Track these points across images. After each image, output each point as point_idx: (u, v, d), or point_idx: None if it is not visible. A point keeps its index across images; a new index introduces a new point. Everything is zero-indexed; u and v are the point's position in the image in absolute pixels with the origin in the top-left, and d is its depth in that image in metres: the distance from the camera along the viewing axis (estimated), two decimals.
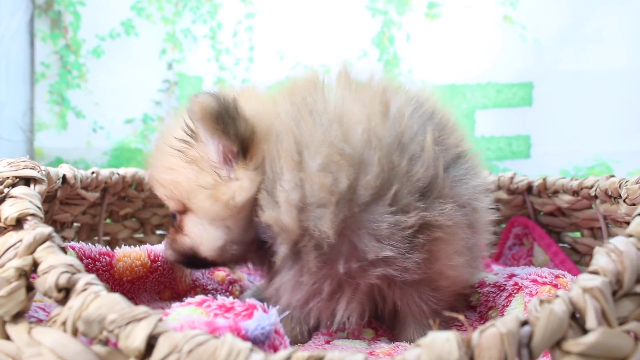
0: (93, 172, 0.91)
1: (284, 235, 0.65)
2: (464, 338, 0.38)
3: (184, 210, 0.72)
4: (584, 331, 0.40)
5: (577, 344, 0.39)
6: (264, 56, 1.67)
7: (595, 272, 0.43)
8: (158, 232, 1.15)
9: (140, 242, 1.10)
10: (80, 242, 0.74)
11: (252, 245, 0.71)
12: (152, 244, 1.07)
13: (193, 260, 0.75)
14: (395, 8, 1.66)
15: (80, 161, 1.68)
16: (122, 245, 1.01)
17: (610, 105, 1.59)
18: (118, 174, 0.98)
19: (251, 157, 0.67)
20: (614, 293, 0.42)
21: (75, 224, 0.96)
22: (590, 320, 0.39)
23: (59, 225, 0.90)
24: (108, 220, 1.05)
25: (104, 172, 0.94)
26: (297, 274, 0.67)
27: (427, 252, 0.64)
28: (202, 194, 0.68)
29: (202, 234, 0.72)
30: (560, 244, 1.03)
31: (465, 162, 0.72)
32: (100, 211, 0.99)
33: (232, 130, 0.65)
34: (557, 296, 0.41)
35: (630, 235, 0.47)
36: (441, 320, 0.68)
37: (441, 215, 0.64)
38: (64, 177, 0.82)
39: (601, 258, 0.43)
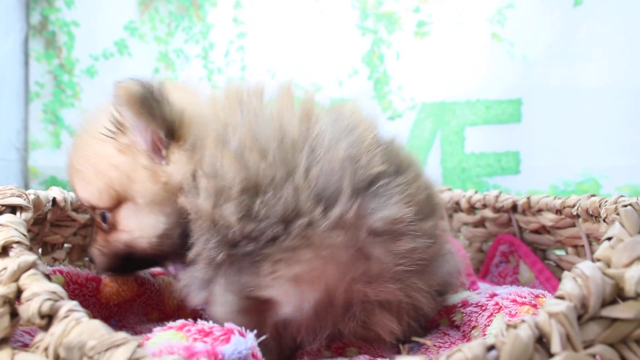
0: None
1: (200, 223, 0.64)
2: None
3: (117, 204, 0.72)
4: (550, 355, 0.41)
5: None
6: (256, 75, 1.69)
7: (561, 297, 0.44)
8: None
9: None
10: (70, 265, 0.76)
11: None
12: None
13: (128, 260, 0.74)
14: (385, 27, 1.68)
15: None
16: None
17: (598, 121, 1.61)
18: None
19: (182, 139, 0.69)
20: (580, 317, 0.43)
21: (66, 245, 0.97)
22: (555, 345, 0.41)
23: (49, 247, 0.91)
24: None
25: None
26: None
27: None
28: (143, 173, 0.69)
29: (141, 223, 0.71)
30: (546, 261, 1.05)
31: (382, 186, 0.65)
32: (90, 232, 1.01)
33: (158, 113, 0.66)
34: (523, 321, 0.42)
35: (598, 260, 0.49)
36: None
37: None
38: (54, 199, 0.83)
39: (567, 283, 0.45)
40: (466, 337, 0.76)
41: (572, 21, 1.61)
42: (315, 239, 0.60)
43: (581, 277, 0.45)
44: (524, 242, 1.08)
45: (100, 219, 0.75)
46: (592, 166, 1.61)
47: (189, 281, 0.67)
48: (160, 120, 0.67)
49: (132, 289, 0.80)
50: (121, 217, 0.72)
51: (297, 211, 0.60)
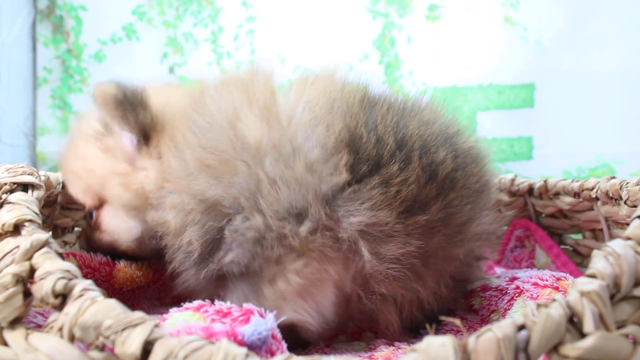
0: None
1: (169, 240, 0.65)
2: (460, 343, 0.37)
3: (100, 204, 0.73)
4: (582, 335, 0.39)
5: (574, 348, 0.38)
6: (265, 59, 1.67)
7: (593, 276, 0.42)
8: None
9: None
10: (83, 250, 0.75)
11: None
12: None
13: (115, 255, 0.75)
14: (395, 10, 1.66)
15: None
16: None
17: (612, 106, 1.59)
18: None
19: (153, 146, 0.68)
20: (612, 297, 0.42)
21: (76, 229, 0.97)
22: (588, 324, 0.39)
23: (60, 230, 0.90)
24: None
25: None
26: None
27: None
28: (115, 180, 0.70)
29: (119, 226, 0.72)
30: (562, 246, 1.03)
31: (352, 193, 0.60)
32: None
33: (132, 118, 0.67)
34: (554, 300, 0.40)
35: (628, 238, 0.47)
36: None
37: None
38: (63, 182, 0.82)
39: (599, 261, 0.43)
40: (485, 321, 0.75)
41: (586, 5, 1.59)
42: (298, 246, 0.58)
43: (613, 256, 0.43)
44: (540, 226, 1.06)
45: (88, 216, 0.76)
46: (605, 152, 1.59)
47: (181, 290, 0.68)
48: (133, 124, 0.67)
49: (147, 276, 0.78)
50: (103, 217, 0.73)
51: (270, 231, 0.59)
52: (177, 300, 0.83)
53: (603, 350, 0.39)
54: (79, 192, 0.75)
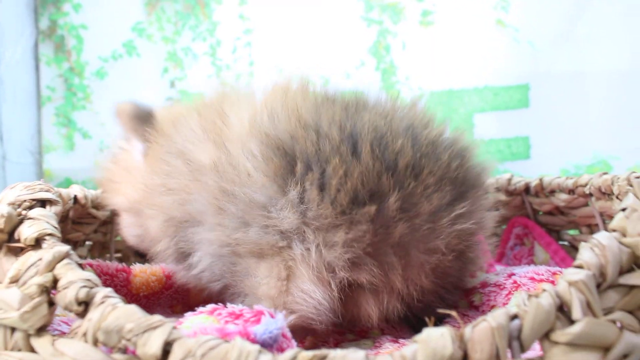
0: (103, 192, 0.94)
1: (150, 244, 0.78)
2: (457, 333, 0.40)
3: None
4: (571, 322, 0.42)
5: (564, 334, 0.41)
6: (264, 70, 1.70)
7: (580, 267, 0.45)
8: None
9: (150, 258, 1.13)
10: (98, 260, 0.78)
11: None
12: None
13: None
14: (389, 17, 1.69)
15: (88, 181, 1.71)
16: (133, 261, 1.05)
17: (606, 104, 1.61)
18: None
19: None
20: (599, 285, 0.45)
21: (87, 242, 0.99)
22: (576, 312, 0.42)
23: (72, 244, 0.93)
24: (118, 238, 1.08)
25: None
26: None
27: None
28: (114, 188, 0.86)
29: (122, 224, 0.89)
30: (560, 242, 1.06)
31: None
32: (110, 229, 1.02)
33: (140, 130, 0.80)
34: (544, 290, 0.43)
35: (613, 230, 0.50)
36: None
37: None
38: (75, 197, 0.85)
39: (585, 253, 0.46)
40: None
41: (577, 5, 1.61)
42: (253, 249, 0.64)
43: (598, 247, 0.46)
44: (538, 223, 1.09)
45: None
46: (602, 149, 1.61)
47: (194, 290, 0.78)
48: (142, 136, 0.80)
49: (161, 281, 0.82)
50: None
51: (227, 245, 0.64)
52: (188, 309, 0.86)
53: (591, 335, 0.41)
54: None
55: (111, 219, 1.02)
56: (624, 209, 0.52)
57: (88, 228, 0.95)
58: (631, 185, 0.55)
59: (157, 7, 1.73)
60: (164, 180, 0.71)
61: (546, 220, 1.08)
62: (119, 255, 1.08)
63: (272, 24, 1.71)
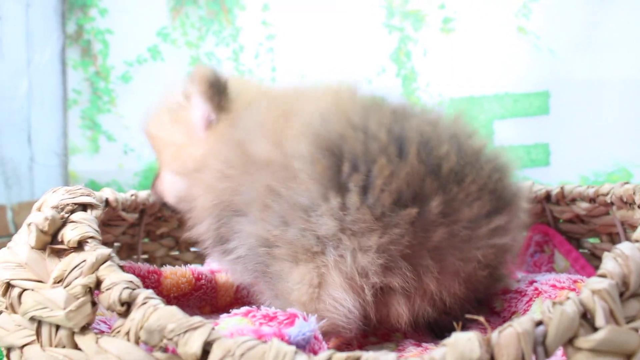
0: (132, 195, 0.97)
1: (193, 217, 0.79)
2: (485, 338, 0.42)
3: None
4: (594, 329, 0.44)
5: (587, 341, 0.43)
6: (286, 76, 1.73)
7: (603, 276, 0.47)
8: (192, 249, 1.20)
9: (176, 259, 1.15)
10: (127, 261, 0.80)
11: None
12: (187, 261, 1.14)
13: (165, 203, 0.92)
14: (411, 24, 1.71)
15: (112, 183, 1.75)
16: (159, 263, 1.07)
17: (627, 111, 1.61)
18: None
19: (213, 132, 0.81)
20: (622, 294, 0.46)
21: (116, 244, 1.02)
22: (599, 319, 0.44)
23: None
24: (146, 240, 1.11)
25: (142, 194, 1.00)
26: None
27: None
28: (169, 149, 0.86)
29: (165, 180, 0.89)
30: (580, 250, 1.06)
31: None
32: (138, 231, 1.05)
33: (217, 100, 0.80)
34: (568, 298, 0.45)
35: (636, 241, 0.51)
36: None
37: None
38: (106, 200, 0.87)
39: (609, 262, 0.48)
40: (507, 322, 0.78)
41: (598, 13, 1.62)
42: (288, 252, 0.66)
43: (621, 257, 0.48)
44: (558, 231, 1.10)
45: None
46: (622, 156, 1.61)
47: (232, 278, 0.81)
48: (216, 106, 0.81)
49: (191, 283, 0.84)
50: (160, 170, 0.91)
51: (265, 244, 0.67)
52: (216, 310, 0.88)
53: (613, 342, 0.43)
54: (151, 150, 0.91)
55: (139, 221, 1.04)
56: None
57: (117, 230, 0.98)
58: None
59: (182, 12, 1.77)
60: (221, 167, 0.73)
61: (567, 228, 1.09)
62: (145, 256, 1.11)
63: (294, 30, 1.74)
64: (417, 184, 0.62)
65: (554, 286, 0.73)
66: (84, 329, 0.49)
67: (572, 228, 1.07)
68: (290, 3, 1.74)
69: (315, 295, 0.63)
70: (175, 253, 1.17)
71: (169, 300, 0.82)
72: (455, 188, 0.64)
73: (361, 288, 0.64)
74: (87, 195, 0.63)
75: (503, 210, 0.68)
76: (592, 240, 1.06)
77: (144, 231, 1.07)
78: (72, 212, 0.59)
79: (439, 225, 0.63)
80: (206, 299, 0.87)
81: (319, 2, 1.73)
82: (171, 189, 0.89)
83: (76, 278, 0.50)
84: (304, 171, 0.64)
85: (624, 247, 0.48)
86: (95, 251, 0.52)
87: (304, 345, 0.48)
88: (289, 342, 0.47)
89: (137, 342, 0.46)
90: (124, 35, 1.78)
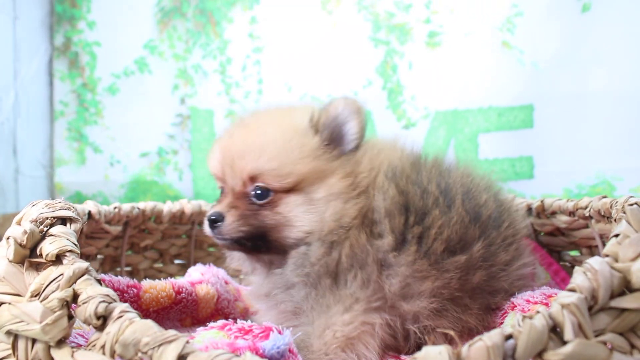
0: (115, 207, 0.97)
1: None
2: (455, 351, 0.43)
3: (289, 190, 0.78)
4: (563, 343, 0.45)
5: (556, 354, 0.44)
6: (273, 88, 1.74)
7: (572, 290, 0.48)
8: (176, 261, 1.21)
9: (160, 271, 1.16)
10: (109, 274, 0.80)
11: None
12: (171, 273, 1.14)
13: (258, 239, 0.79)
14: (397, 38, 1.72)
15: (98, 194, 1.75)
16: (143, 275, 1.07)
17: (610, 124, 1.63)
18: (138, 208, 1.04)
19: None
20: (591, 308, 0.47)
21: (99, 256, 1.02)
22: (568, 333, 0.44)
23: (84, 258, 0.95)
24: (129, 252, 1.11)
25: (126, 207, 1.00)
26: None
27: None
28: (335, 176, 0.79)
29: (302, 215, 0.77)
30: (561, 263, 1.07)
31: None
32: (122, 243, 1.05)
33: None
34: (538, 312, 0.46)
35: (606, 255, 0.52)
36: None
37: None
38: (89, 213, 0.88)
39: (578, 277, 0.49)
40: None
41: (581, 27, 1.64)
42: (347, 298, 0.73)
43: (590, 271, 0.49)
44: (539, 244, 1.11)
45: (258, 194, 0.79)
46: (605, 169, 1.63)
47: None
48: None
49: (170, 297, 0.84)
50: (286, 202, 0.78)
51: None
52: (197, 322, 0.88)
53: (582, 355, 0.44)
54: (268, 174, 0.77)
55: (123, 234, 1.04)
56: (616, 235, 0.54)
57: (100, 242, 0.98)
58: (624, 212, 0.57)
59: (169, 25, 1.78)
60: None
61: (547, 241, 1.10)
62: (129, 269, 1.11)
63: (281, 43, 1.75)
64: (463, 231, 0.71)
65: (527, 301, 0.74)
66: (60, 343, 0.49)
67: (552, 241, 1.09)
68: (278, 16, 1.76)
69: (348, 344, 0.69)
70: (159, 265, 1.17)
71: (148, 314, 0.82)
72: (494, 232, 0.74)
73: (411, 333, 0.72)
74: (66, 209, 0.63)
75: (524, 254, 0.81)
76: (572, 253, 1.07)
77: (127, 243, 1.07)
78: (51, 225, 0.59)
79: (479, 268, 0.72)
80: (187, 312, 0.87)
81: (305, 15, 1.75)
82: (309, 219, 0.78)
83: (53, 292, 0.50)
84: (383, 225, 0.72)
85: (593, 261, 0.49)
86: (73, 265, 0.52)
87: (278, 359, 0.48)
88: (263, 356, 0.48)
89: (112, 355, 0.46)
90: (111, 47, 1.79)
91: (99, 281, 0.52)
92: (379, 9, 1.72)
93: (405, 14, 1.72)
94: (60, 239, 0.56)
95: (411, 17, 1.72)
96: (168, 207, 1.11)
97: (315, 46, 1.74)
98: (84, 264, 0.52)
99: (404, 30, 1.72)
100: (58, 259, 0.55)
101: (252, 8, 1.76)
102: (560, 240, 1.07)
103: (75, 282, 0.51)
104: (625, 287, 0.49)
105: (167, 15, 1.78)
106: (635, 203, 0.59)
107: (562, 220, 1.02)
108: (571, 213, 0.99)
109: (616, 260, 0.51)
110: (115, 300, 0.49)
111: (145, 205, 1.07)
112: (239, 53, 1.76)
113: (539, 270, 1.07)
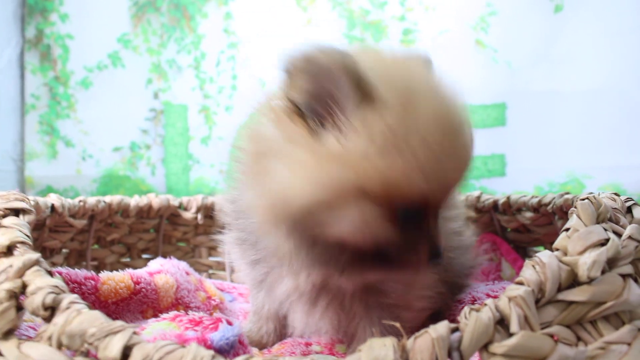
0: (80, 201, 0.96)
1: None
2: (400, 343, 0.43)
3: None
4: (510, 335, 0.45)
5: (501, 346, 0.44)
6: (247, 84, 1.73)
7: (520, 283, 0.48)
8: (144, 256, 1.20)
9: (127, 266, 1.14)
10: (68, 267, 0.79)
11: None
12: (139, 267, 1.13)
13: None
14: (371, 35, 1.73)
15: (70, 189, 1.73)
16: (110, 269, 1.06)
17: (581, 123, 1.65)
18: (104, 201, 1.03)
19: None
20: (538, 301, 0.48)
21: (64, 250, 1.01)
22: (514, 325, 0.45)
23: (48, 252, 0.95)
24: (96, 246, 1.10)
25: (91, 201, 0.99)
26: None
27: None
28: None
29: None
30: (527, 258, 1.09)
31: None
32: (87, 237, 1.04)
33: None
34: (485, 304, 0.46)
35: (556, 249, 0.53)
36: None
37: None
38: (52, 206, 0.87)
39: (527, 270, 0.49)
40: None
41: (554, 27, 1.65)
42: None
43: (539, 265, 0.49)
44: (505, 240, 1.12)
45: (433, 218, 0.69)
46: (575, 167, 1.65)
47: None
48: None
49: (130, 287, 0.83)
50: None
51: None
52: (159, 313, 0.88)
53: (526, 347, 0.44)
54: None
55: (89, 228, 1.03)
56: (567, 229, 0.55)
57: (65, 236, 0.97)
58: (576, 207, 0.58)
59: (143, 19, 1.76)
60: None
61: (513, 237, 1.11)
62: (95, 263, 1.10)
63: (256, 38, 1.74)
64: None
65: (487, 294, 0.75)
66: (7, 334, 0.48)
67: (518, 237, 1.10)
68: (252, 12, 1.75)
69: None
70: (126, 260, 1.16)
71: (107, 306, 0.81)
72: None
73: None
74: (20, 200, 0.62)
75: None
76: (537, 248, 1.09)
77: (93, 238, 1.06)
78: (3, 216, 0.59)
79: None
80: (147, 302, 0.86)
81: (280, 11, 1.74)
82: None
83: (1, 283, 0.50)
84: None
85: (542, 255, 0.50)
86: (23, 256, 0.51)
87: (227, 350, 0.48)
88: (212, 347, 0.48)
89: (59, 347, 0.45)
90: (84, 40, 1.76)
91: (50, 272, 0.51)
92: (353, 5, 1.72)
93: (380, 11, 1.72)
94: (12, 230, 0.56)
95: (386, 14, 1.72)
96: (135, 201, 1.10)
97: (290, 43, 1.73)
98: (34, 255, 0.52)
99: (379, 27, 1.73)
100: (9, 251, 0.54)
101: (227, 4, 1.74)
102: (525, 237, 1.08)
103: (24, 273, 0.50)
104: (574, 281, 0.50)
105: (142, 9, 1.76)
106: (587, 198, 0.60)
107: (527, 216, 1.04)
108: (535, 209, 1.00)
109: (565, 254, 0.51)
110: (64, 291, 0.48)
111: (112, 199, 1.06)
112: (214, 48, 1.75)
113: (504, 266, 1.09)
